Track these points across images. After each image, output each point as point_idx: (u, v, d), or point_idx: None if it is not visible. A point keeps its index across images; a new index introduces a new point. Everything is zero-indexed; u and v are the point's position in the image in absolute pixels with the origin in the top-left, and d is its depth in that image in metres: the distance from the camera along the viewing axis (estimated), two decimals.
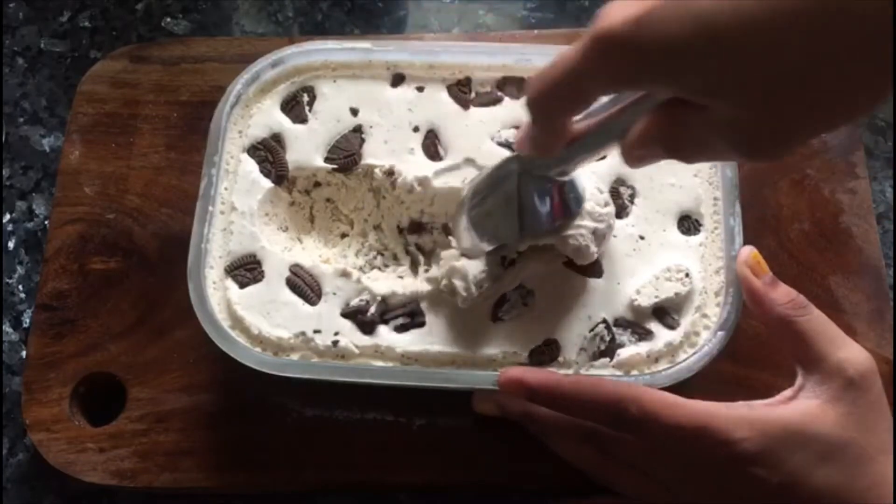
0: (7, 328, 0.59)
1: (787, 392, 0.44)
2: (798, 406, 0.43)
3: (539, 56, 0.55)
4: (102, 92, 0.62)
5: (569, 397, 0.44)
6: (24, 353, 0.58)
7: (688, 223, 0.52)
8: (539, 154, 0.42)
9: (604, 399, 0.43)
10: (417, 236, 0.54)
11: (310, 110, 0.55)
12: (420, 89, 0.55)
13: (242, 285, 0.51)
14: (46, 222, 0.61)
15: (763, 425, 0.41)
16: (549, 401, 0.45)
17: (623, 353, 0.49)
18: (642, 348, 0.49)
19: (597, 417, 0.44)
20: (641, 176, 0.53)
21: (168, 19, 0.69)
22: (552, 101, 0.37)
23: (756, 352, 0.53)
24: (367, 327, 0.50)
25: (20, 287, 0.60)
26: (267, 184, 0.54)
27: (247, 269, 0.52)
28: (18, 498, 0.55)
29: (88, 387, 0.55)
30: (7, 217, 0.62)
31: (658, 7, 0.31)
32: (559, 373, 0.47)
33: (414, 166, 0.53)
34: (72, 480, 0.52)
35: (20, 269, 0.61)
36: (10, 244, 0.62)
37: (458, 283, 0.49)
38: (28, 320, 0.59)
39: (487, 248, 0.48)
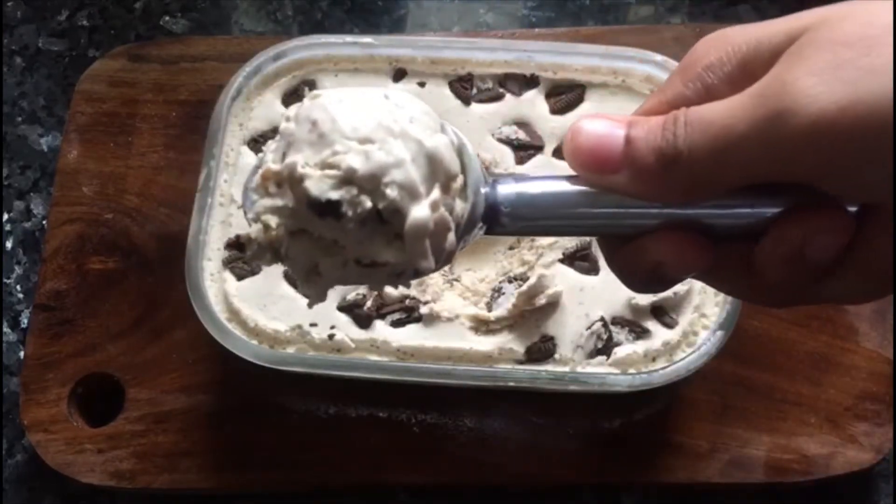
0: (5, 328, 0.59)
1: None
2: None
3: (542, 54, 0.55)
4: (101, 91, 0.62)
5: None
6: (22, 354, 0.58)
7: None
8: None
9: None
10: None
11: None
12: (422, 84, 0.55)
13: (240, 277, 0.51)
14: (44, 222, 0.61)
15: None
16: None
17: (620, 352, 0.48)
18: (640, 347, 0.49)
19: None
20: None
21: (167, 18, 0.69)
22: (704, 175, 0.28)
23: (757, 352, 0.53)
24: (364, 321, 0.50)
25: (18, 287, 0.60)
26: None
27: (245, 262, 0.52)
28: (17, 498, 0.55)
29: (87, 387, 0.55)
30: (5, 217, 0.62)
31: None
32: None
33: None
34: (70, 481, 0.52)
35: (18, 269, 0.61)
36: (8, 244, 0.61)
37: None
38: (26, 320, 0.59)
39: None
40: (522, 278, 0.50)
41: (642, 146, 0.28)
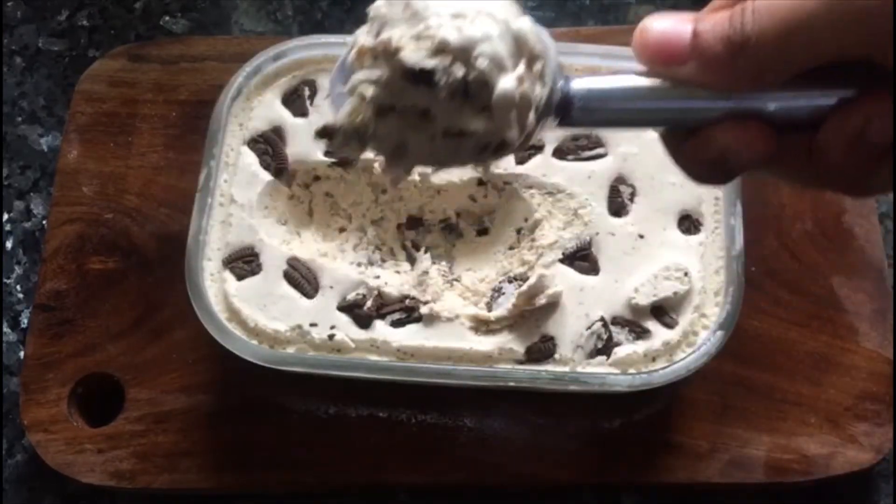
0: (5, 328, 0.59)
1: None
2: None
3: None
4: (101, 91, 0.62)
5: None
6: (22, 354, 0.58)
7: (688, 223, 0.52)
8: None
9: None
10: (415, 232, 0.54)
11: (311, 104, 0.55)
12: None
13: (240, 277, 0.51)
14: (44, 222, 0.61)
15: None
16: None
17: (620, 352, 0.48)
18: (640, 347, 0.49)
19: None
20: (642, 175, 0.53)
21: (167, 18, 0.69)
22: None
23: (757, 352, 0.53)
24: (364, 321, 0.50)
25: (18, 287, 0.60)
26: (266, 177, 0.53)
27: (245, 262, 0.52)
28: (17, 498, 0.55)
29: (87, 387, 0.55)
30: (5, 217, 0.62)
31: None
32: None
33: None
34: (70, 481, 0.52)
35: (18, 269, 0.61)
36: (8, 244, 0.61)
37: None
38: (26, 320, 0.59)
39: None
40: (522, 278, 0.50)
41: (710, 37, 0.29)
